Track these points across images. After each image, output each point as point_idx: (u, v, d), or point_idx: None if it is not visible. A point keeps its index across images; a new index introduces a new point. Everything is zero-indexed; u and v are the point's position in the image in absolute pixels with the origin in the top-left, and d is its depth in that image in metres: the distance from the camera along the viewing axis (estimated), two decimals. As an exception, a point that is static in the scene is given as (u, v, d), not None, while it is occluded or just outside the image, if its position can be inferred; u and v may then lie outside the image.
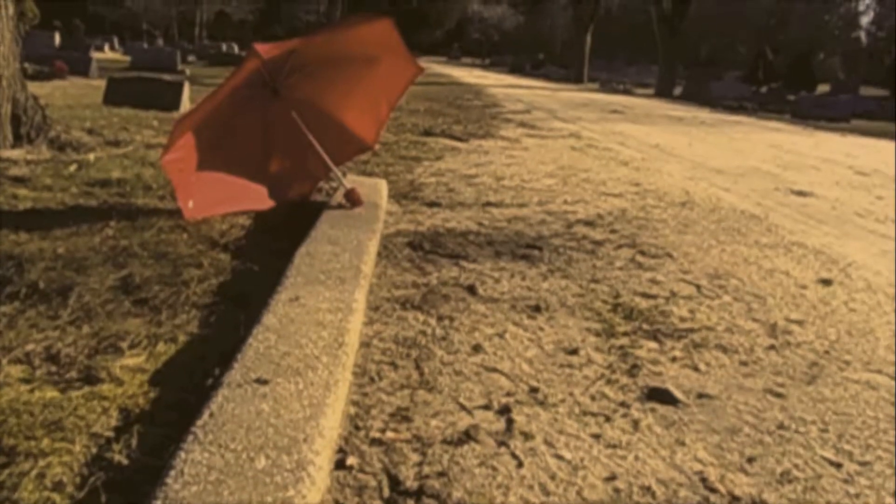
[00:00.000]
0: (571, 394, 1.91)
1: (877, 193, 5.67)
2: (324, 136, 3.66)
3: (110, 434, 1.49)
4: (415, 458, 1.56)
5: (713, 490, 1.52)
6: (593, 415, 1.81)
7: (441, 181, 4.94)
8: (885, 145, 10.19)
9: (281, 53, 3.37)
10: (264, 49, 3.20)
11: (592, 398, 1.90)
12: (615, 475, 1.55)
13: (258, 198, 3.55)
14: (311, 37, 3.65)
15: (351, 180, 4.39)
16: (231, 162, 3.47)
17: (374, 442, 1.61)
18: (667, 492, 1.50)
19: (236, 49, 28.42)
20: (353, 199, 3.57)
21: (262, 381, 1.63)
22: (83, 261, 2.52)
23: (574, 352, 2.19)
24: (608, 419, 1.79)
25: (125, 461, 1.41)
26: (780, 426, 1.81)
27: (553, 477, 1.53)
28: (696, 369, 2.12)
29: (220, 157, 3.39)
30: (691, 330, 2.43)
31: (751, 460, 1.64)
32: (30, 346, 1.85)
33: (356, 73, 3.77)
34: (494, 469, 1.54)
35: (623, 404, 1.87)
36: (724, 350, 2.28)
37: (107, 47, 27.39)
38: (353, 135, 3.91)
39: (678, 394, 1.93)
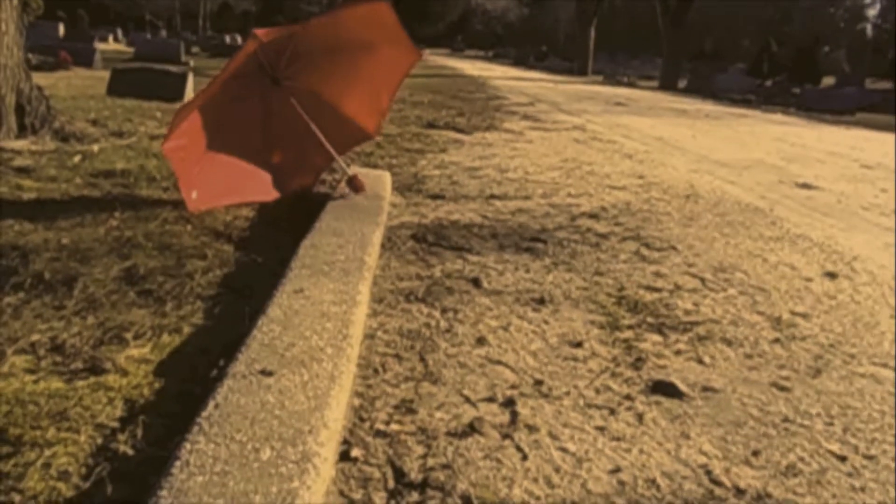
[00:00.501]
0: (576, 386, 1.91)
1: (881, 186, 5.65)
2: (325, 126, 3.65)
3: (115, 425, 1.50)
4: (419, 450, 1.56)
5: (718, 483, 1.52)
6: (598, 408, 1.81)
7: (445, 173, 4.93)
8: (889, 138, 10.15)
9: (280, 38, 3.36)
10: (263, 33, 3.19)
11: (597, 391, 1.90)
12: (620, 468, 1.55)
13: (262, 189, 3.55)
14: (309, 22, 3.61)
15: (354, 172, 4.38)
16: (234, 153, 3.47)
17: (379, 434, 1.61)
18: (671, 484, 1.50)
19: (239, 40, 28.37)
20: (355, 185, 3.56)
21: (266, 373, 1.64)
22: (88, 252, 2.52)
23: (578, 345, 2.19)
24: (613, 412, 1.79)
25: (130, 452, 1.41)
26: (785, 419, 1.81)
27: (558, 469, 1.53)
28: (700, 362, 2.11)
29: (222, 148, 3.39)
30: (696, 323, 2.43)
31: (756, 453, 1.64)
32: (35, 337, 1.85)
33: (356, 63, 3.75)
34: (499, 461, 1.54)
35: (628, 397, 1.87)
36: (729, 343, 2.27)
37: (111, 38, 27.38)
38: (355, 124, 3.89)
39: (683, 387, 1.93)
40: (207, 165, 3.29)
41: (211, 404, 1.48)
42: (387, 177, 4.39)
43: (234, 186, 3.41)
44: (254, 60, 3.38)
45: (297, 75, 3.61)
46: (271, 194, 3.56)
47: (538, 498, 1.43)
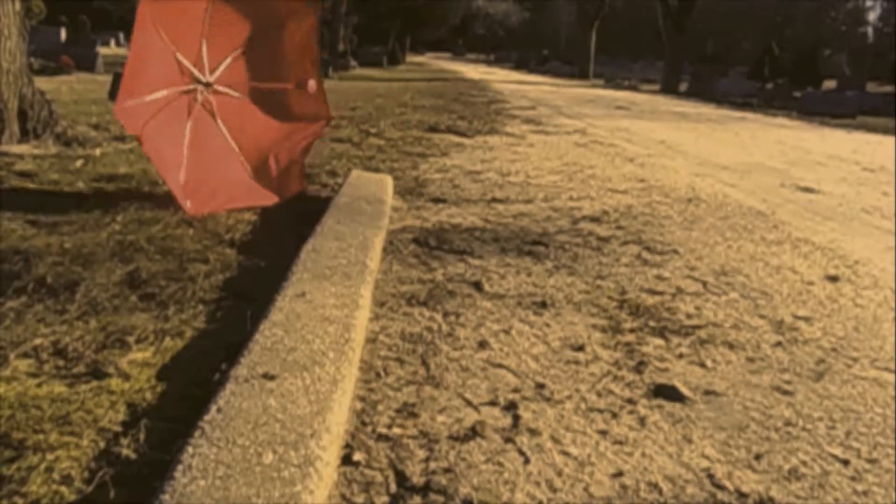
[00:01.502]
0: (578, 390, 1.91)
1: (883, 190, 5.65)
2: (281, 118, 3.63)
3: (118, 428, 1.50)
4: (421, 453, 1.56)
5: (720, 487, 1.52)
6: (600, 411, 1.81)
7: (446, 177, 4.93)
8: (891, 141, 10.14)
9: (188, 31, 3.32)
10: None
11: (599, 395, 1.90)
12: (622, 472, 1.55)
13: (255, 195, 3.52)
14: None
15: (356, 176, 4.39)
16: (212, 163, 3.43)
17: (381, 437, 1.61)
18: (674, 488, 1.50)
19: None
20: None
21: (268, 377, 1.64)
22: (90, 256, 2.53)
23: (580, 348, 2.19)
24: (615, 416, 1.79)
25: (133, 455, 1.41)
26: (788, 423, 1.81)
27: (560, 473, 1.53)
28: (702, 366, 2.11)
29: (199, 162, 3.36)
30: (698, 326, 2.43)
31: (758, 457, 1.64)
32: (37, 341, 1.86)
33: (276, 45, 3.64)
34: (501, 465, 1.54)
35: (630, 401, 1.87)
36: (731, 347, 2.27)
37: (113, 43, 27.40)
38: (305, 109, 3.78)
39: (685, 390, 1.93)
40: (191, 179, 3.27)
41: (213, 408, 1.48)
42: (388, 180, 4.40)
43: (227, 195, 3.40)
44: (176, 67, 3.34)
45: (226, 78, 3.56)
46: (268, 199, 3.53)
47: (540, 502, 1.43)
